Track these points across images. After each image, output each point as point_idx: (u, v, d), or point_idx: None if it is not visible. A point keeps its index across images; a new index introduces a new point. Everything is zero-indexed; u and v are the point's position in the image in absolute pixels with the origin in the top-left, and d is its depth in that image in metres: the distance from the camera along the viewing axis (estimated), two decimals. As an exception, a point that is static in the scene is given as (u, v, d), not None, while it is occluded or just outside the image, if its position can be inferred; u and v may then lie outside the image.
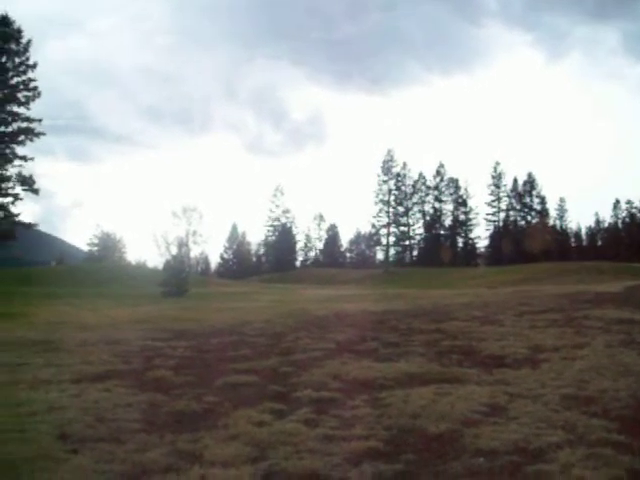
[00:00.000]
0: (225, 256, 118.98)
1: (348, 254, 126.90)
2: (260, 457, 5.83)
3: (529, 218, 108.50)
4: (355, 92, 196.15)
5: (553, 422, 6.71)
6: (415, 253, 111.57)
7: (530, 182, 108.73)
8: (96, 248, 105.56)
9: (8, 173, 73.81)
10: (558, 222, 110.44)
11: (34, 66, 75.03)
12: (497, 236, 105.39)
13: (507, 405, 7.58)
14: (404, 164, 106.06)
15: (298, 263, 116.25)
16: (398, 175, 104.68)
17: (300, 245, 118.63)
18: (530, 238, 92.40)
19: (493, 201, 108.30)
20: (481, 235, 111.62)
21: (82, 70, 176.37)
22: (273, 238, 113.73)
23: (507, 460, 5.55)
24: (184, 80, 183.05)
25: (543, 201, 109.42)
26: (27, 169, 73.15)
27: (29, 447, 6.25)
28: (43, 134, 75.96)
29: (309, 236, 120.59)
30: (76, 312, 26.88)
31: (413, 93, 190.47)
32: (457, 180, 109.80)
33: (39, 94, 75.04)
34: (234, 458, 5.78)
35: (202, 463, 5.66)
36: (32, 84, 74.75)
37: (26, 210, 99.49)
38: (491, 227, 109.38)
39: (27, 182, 73.60)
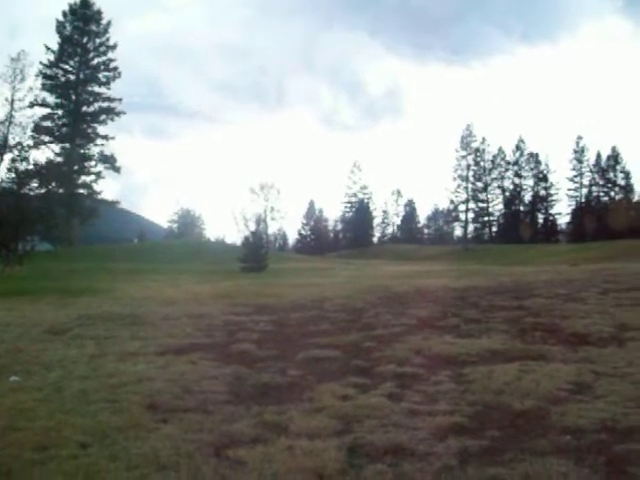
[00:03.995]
0: (303, 232, 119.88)
1: (426, 230, 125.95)
2: (345, 430, 5.92)
3: (612, 194, 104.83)
4: (434, 63, 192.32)
5: (642, 401, 6.54)
6: (494, 230, 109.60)
7: (614, 157, 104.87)
8: (176, 225, 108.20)
9: (91, 152, 76.46)
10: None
11: (114, 47, 77.04)
12: (579, 212, 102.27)
13: (593, 383, 7.42)
14: (483, 139, 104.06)
15: (375, 239, 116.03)
16: (477, 150, 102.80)
17: (377, 221, 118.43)
18: (614, 214, 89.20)
19: (575, 176, 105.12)
20: (562, 211, 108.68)
21: (157, 47, 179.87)
22: (350, 214, 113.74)
23: (595, 439, 5.46)
24: (259, 54, 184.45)
25: (628, 176, 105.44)
26: (108, 148, 75.43)
27: (120, 417, 6.52)
28: (123, 113, 78.37)
29: (386, 212, 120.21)
30: (158, 287, 27.66)
31: (495, 64, 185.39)
32: (537, 155, 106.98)
33: (119, 74, 77.30)
34: (320, 430, 5.88)
35: (288, 435, 5.78)
36: (112, 64, 76.91)
37: (108, 188, 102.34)
38: (573, 203, 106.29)
39: (109, 160, 76.13)
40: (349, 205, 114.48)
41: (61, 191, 62.78)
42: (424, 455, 5.16)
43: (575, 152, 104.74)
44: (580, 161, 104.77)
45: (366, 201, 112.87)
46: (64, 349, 11.24)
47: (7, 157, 32.92)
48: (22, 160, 32.37)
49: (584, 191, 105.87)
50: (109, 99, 77.34)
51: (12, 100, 46.86)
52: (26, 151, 33.85)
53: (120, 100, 77.67)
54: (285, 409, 6.68)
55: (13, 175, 31.76)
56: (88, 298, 22.25)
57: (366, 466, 4.93)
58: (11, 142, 34.98)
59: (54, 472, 4.91)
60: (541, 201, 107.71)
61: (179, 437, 5.75)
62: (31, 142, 63.64)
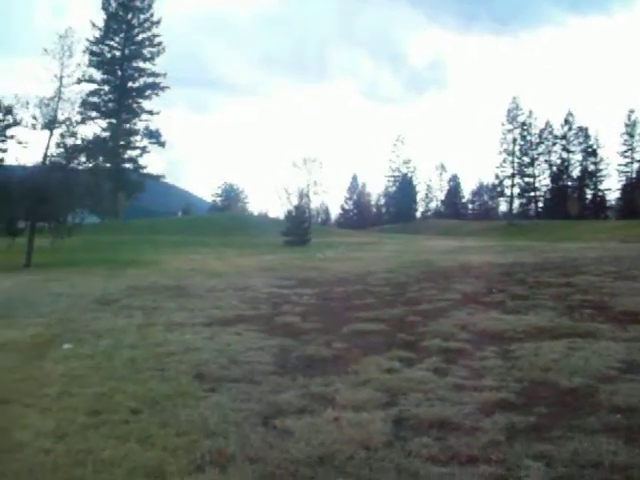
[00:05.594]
0: (345, 207, 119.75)
1: (470, 205, 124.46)
2: (391, 403, 5.93)
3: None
4: (480, 34, 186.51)
5: (697, 382, 6.39)
6: (540, 205, 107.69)
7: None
8: (220, 199, 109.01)
9: (136, 127, 77.32)
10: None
11: (158, 22, 77.37)
12: (630, 188, 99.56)
13: (645, 362, 7.28)
14: (530, 112, 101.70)
15: (418, 214, 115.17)
16: (524, 124, 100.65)
17: (421, 196, 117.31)
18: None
19: (626, 151, 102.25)
20: (612, 187, 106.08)
21: (197, 20, 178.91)
22: (393, 188, 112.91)
23: (647, 418, 5.37)
24: (299, 26, 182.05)
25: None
26: (153, 123, 76.19)
27: (169, 384, 6.68)
28: (168, 88, 78.79)
29: (430, 187, 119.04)
30: (203, 260, 28.06)
31: (544, 35, 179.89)
32: (587, 129, 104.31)
33: (163, 49, 77.73)
34: (365, 403, 5.90)
35: (334, 406, 5.82)
36: (156, 40, 77.27)
37: (153, 162, 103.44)
38: (623, 179, 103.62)
39: (154, 135, 76.91)
40: (392, 179, 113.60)
41: (108, 165, 63.55)
42: (470, 430, 5.14)
43: (626, 126, 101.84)
44: (631, 135, 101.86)
45: (409, 175, 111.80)
46: (113, 319, 11.52)
47: (56, 132, 33.41)
48: (70, 135, 32.89)
49: (635, 166, 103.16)
50: (154, 74, 77.91)
51: (61, 76, 47.44)
52: (74, 126, 34.29)
53: (165, 75, 78.20)
54: (331, 381, 6.72)
55: (62, 150, 32.29)
56: (135, 270, 22.70)
57: (412, 439, 4.94)
58: (60, 118, 35.59)
59: (107, 436, 5.05)
60: (590, 176, 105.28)
61: (227, 406, 5.84)
62: (79, 118, 64.47)
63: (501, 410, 5.60)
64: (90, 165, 32.79)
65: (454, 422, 5.32)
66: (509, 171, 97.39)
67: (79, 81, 64.50)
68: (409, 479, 4.20)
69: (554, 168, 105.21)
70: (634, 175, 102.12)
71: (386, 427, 5.21)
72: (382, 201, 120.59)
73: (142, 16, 77.14)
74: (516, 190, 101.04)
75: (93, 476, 4.27)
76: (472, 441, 4.86)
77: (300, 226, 42.01)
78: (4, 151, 57.50)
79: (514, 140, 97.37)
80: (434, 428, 5.19)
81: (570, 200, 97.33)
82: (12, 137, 57.22)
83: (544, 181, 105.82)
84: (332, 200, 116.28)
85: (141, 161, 77.76)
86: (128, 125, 77.21)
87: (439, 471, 4.30)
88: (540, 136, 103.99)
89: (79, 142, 32.78)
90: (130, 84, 78.08)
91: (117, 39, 76.72)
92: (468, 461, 4.47)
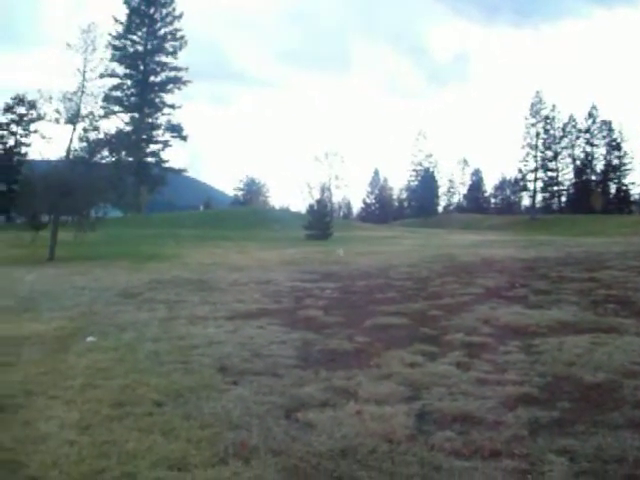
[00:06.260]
0: (367, 201, 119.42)
1: (492, 200, 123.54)
2: (413, 397, 5.93)
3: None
4: (503, 26, 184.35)
5: None
6: (564, 199, 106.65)
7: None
8: (241, 193, 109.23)
9: (158, 121, 77.82)
10: None
11: (180, 16, 77.69)
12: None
13: (670, 358, 7.20)
14: (553, 106, 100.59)
15: (440, 208, 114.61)
16: (547, 118, 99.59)
17: (443, 190, 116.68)
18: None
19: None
20: (636, 181, 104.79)
21: (217, 13, 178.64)
22: (415, 183, 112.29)
23: (672, 414, 5.31)
24: (321, 19, 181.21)
25: None
26: (175, 117, 76.65)
27: (192, 377, 6.72)
28: (190, 82, 79.15)
29: (452, 181, 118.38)
30: (225, 254, 28.14)
31: (567, 27, 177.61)
32: (611, 122, 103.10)
33: (185, 43, 78.05)
34: (388, 396, 5.90)
35: (357, 400, 5.82)
36: (179, 34, 77.58)
37: (175, 156, 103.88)
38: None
39: (176, 129, 77.39)
40: (414, 173, 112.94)
41: (130, 159, 64.18)
42: (493, 424, 5.12)
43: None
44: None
45: (431, 170, 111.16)
46: (136, 312, 11.61)
47: (79, 127, 33.65)
48: (93, 129, 33.27)
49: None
50: (176, 68, 78.26)
51: (84, 71, 47.95)
52: (97, 120, 34.68)
53: (186, 69, 78.55)
54: (353, 375, 6.72)
55: (85, 144, 32.62)
56: (157, 263, 22.85)
57: (435, 433, 4.93)
58: (83, 112, 35.88)
59: (131, 428, 5.09)
60: (614, 170, 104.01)
61: (250, 399, 5.87)
62: (102, 112, 65.10)
63: (524, 405, 5.58)
64: (113, 159, 33.15)
65: (477, 416, 5.31)
66: (532, 165, 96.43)
67: (102, 76, 65.13)
68: (432, 473, 4.19)
69: (577, 162, 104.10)
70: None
71: (409, 421, 5.22)
72: (404, 195, 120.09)
73: (164, 10, 77.47)
74: (539, 184, 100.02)
75: (117, 467, 4.30)
76: (495, 435, 4.84)
77: (322, 220, 41.99)
78: (28, 145, 58.29)
79: (537, 134, 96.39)
80: (457, 422, 5.18)
81: (594, 194, 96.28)
82: (36, 131, 58.03)
83: (567, 175, 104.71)
84: (354, 194, 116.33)
85: (163, 155, 78.36)
86: (150, 119, 77.72)
87: (462, 465, 4.29)
88: (563, 130, 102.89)
89: (102, 136, 33.22)
90: (152, 78, 78.49)
91: (139, 33, 77.15)
92: (491, 455, 4.46)
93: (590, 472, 4.14)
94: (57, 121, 35.58)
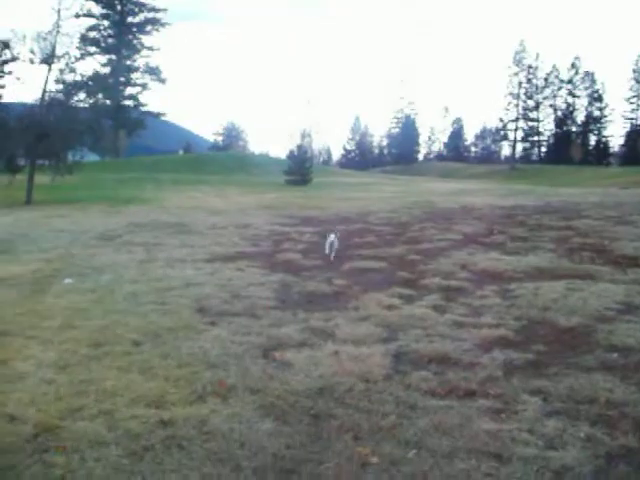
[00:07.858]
0: (347, 147, 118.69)
1: (473, 149, 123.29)
2: (390, 338, 5.99)
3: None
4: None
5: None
6: (543, 150, 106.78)
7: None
8: (221, 138, 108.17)
9: (136, 64, 76.28)
10: None
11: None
12: (634, 135, 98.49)
13: (643, 304, 7.30)
14: (537, 55, 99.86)
15: (421, 156, 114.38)
16: (530, 67, 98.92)
17: (424, 138, 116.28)
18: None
19: (632, 97, 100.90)
20: (615, 134, 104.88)
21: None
22: (396, 130, 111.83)
23: (643, 357, 5.41)
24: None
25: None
26: (154, 59, 75.22)
27: (170, 318, 6.72)
28: (169, 24, 77.38)
29: (433, 129, 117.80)
30: (204, 198, 27.99)
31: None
32: (593, 74, 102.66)
33: (164, -18, 75.70)
34: (365, 337, 5.96)
35: (334, 340, 5.87)
36: (158, -26, 75.45)
37: (153, 100, 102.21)
38: (628, 125, 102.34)
39: (154, 72, 76.04)
40: (395, 120, 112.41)
41: (108, 102, 62.94)
42: (469, 365, 5.20)
43: (634, 72, 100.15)
44: (639, 82, 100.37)
45: (413, 117, 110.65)
46: (114, 254, 11.54)
47: (55, 68, 32.71)
48: (70, 71, 32.34)
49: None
50: (154, 9, 76.51)
51: (59, 9, 46.49)
52: (73, 62, 33.67)
53: (165, 10, 76.78)
54: (331, 316, 6.78)
55: (61, 86, 31.77)
56: (136, 207, 22.67)
57: (411, 373, 4.99)
58: (58, 52, 34.89)
59: (109, 367, 5.09)
60: (594, 122, 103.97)
61: (228, 339, 5.89)
62: (78, 53, 63.57)
63: (499, 347, 5.65)
64: (90, 102, 32.36)
65: (453, 357, 5.38)
66: (513, 114, 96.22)
67: (77, 15, 63.28)
68: (407, 411, 4.24)
69: (559, 113, 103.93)
70: (639, 122, 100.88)
71: (385, 361, 5.27)
72: (385, 142, 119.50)
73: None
74: (520, 134, 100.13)
75: (95, 405, 4.30)
76: (470, 376, 4.91)
77: (302, 166, 41.68)
78: (2, 87, 56.72)
79: (520, 83, 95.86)
80: (433, 363, 5.25)
81: (573, 145, 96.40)
82: (10, 73, 56.30)
83: (548, 126, 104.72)
84: (334, 141, 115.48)
85: (141, 98, 77.12)
86: (128, 61, 76.16)
87: (437, 404, 4.35)
88: (546, 80, 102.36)
89: (78, 78, 32.34)
90: (130, 19, 76.70)
91: (116, -28, 75.04)
92: (466, 395, 4.53)
93: (563, 412, 4.21)
94: (31, 61, 34.63)
